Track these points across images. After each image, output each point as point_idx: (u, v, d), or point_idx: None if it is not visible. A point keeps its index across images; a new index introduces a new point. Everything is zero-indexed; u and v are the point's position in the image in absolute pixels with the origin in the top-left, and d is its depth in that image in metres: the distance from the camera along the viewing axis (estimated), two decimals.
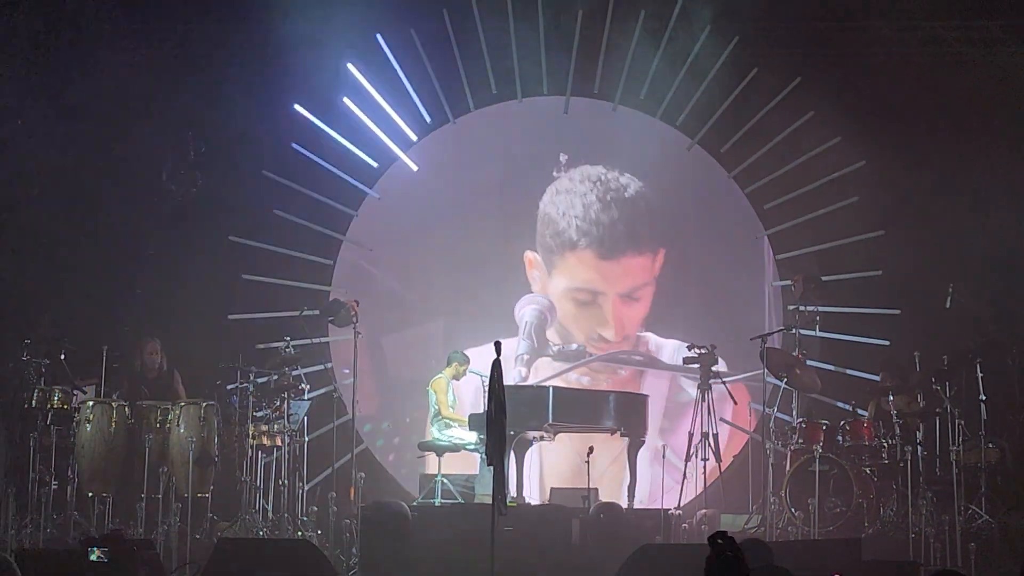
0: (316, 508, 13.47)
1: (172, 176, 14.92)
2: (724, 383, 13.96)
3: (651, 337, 16.05)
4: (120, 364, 13.78)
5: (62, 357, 13.10)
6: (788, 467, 13.11)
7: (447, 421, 14.05)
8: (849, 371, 15.16)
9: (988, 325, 14.20)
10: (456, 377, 14.36)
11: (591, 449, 13.11)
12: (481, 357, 14.35)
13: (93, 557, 9.90)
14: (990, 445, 13.20)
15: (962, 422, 13.03)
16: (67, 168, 14.71)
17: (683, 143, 16.10)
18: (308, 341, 14.22)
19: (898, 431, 13.08)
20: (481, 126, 16.32)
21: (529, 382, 15.48)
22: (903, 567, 10.41)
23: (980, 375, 13.19)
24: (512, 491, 12.81)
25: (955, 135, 15.22)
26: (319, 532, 13.01)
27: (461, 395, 14.72)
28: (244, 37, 15.90)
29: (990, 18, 15.32)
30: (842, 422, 13.34)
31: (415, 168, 16.27)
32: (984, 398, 13.15)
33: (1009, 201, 14.91)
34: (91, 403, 12.91)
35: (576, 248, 16.02)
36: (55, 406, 12.76)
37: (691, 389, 14.97)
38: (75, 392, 13.11)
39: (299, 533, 12.72)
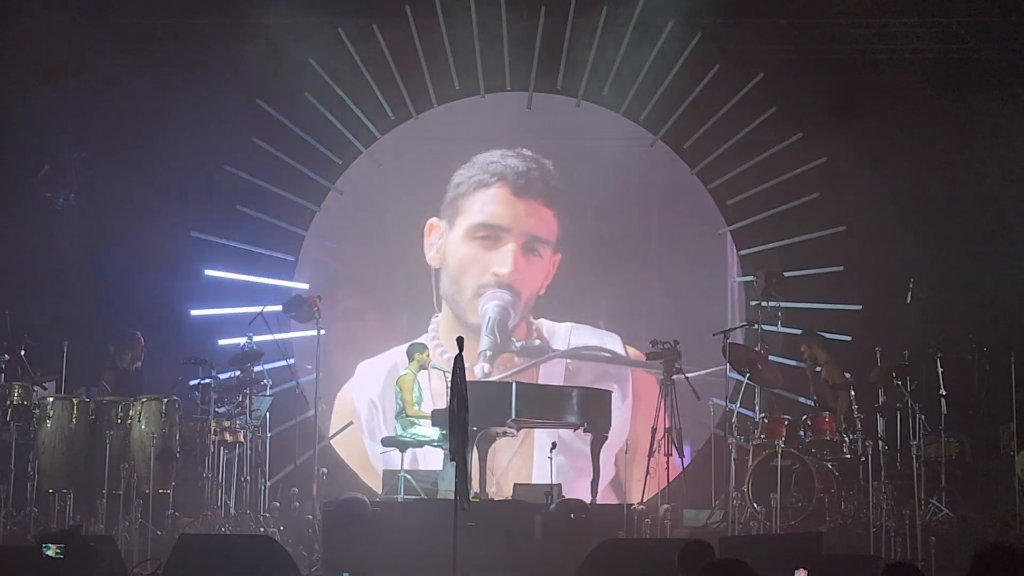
0: (278, 504, 13.45)
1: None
2: (687, 378, 14.00)
3: (544, 323, 16.08)
4: (116, 353, 13.71)
5: (22, 353, 13.02)
6: (750, 462, 13.16)
7: (411, 419, 14.02)
8: None
9: (948, 320, 14.27)
10: (423, 367, 14.33)
11: (554, 445, 13.14)
12: (446, 353, 14.41)
13: (49, 553, 9.82)
14: (950, 439, 13.29)
15: (922, 417, 13.11)
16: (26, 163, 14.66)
17: (646, 139, 16.12)
18: (270, 337, 14.17)
19: (859, 426, 13.15)
20: (444, 122, 16.29)
21: (492, 378, 15.48)
22: (863, 561, 10.46)
23: (940, 370, 13.27)
24: (475, 487, 12.81)
25: (916, 132, 15.29)
26: (281, 528, 12.98)
27: (430, 389, 14.68)
28: (207, 31, 15.83)
29: (949, 15, 15.41)
30: (804, 417, 13.40)
31: (379, 165, 16.23)
32: (944, 393, 13.24)
33: (969, 197, 15.02)
34: (51, 399, 12.83)
35: (488, 187, 16.08)
36: (15, 402, 12.67)
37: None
38: (35, 388, 13.02)
39: (261, 529, 12.68)
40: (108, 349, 14.00)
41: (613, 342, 15.94)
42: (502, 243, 15.98)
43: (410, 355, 14.34)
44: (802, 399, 14.28)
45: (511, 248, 15.98)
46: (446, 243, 16.07)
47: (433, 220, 16.08)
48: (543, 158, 16.18)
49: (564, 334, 16.08)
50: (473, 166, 16.12)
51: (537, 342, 16.05)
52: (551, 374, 15.86)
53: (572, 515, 12.38)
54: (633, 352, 15.92)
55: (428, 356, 14.36)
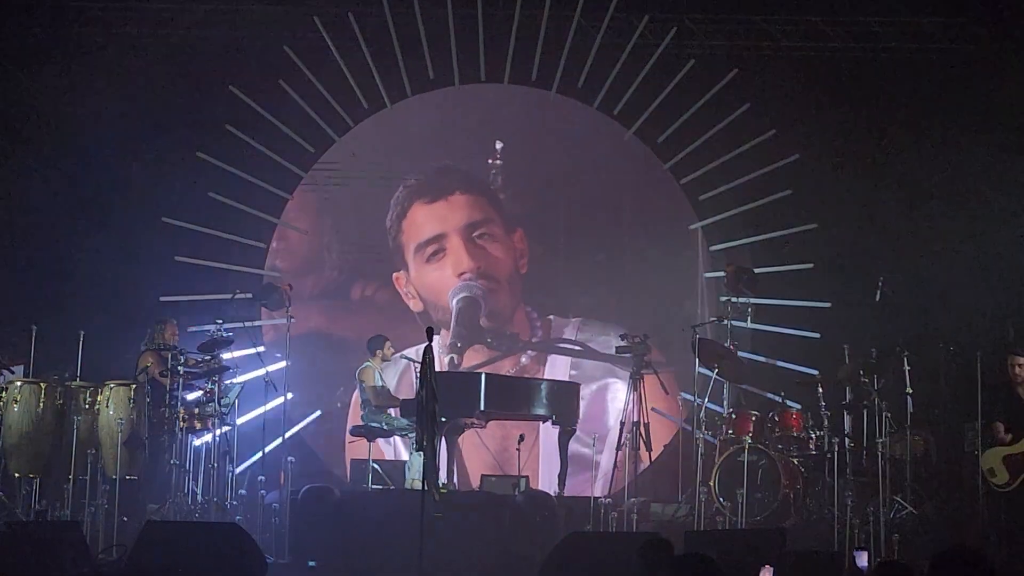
0: (245, 492, 13.41)
1: None
2: (656, 372, 14.03)
3: (553, 319, 16.17)
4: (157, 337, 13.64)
5: None
6: (717, 457, 13.20)
7: (376, 406, 14.02)
8: (780, 363, 15.29)
9: (916, 319, 14.35)
10: (385, 360, 14.32)
11: (522, 437, 13.16)
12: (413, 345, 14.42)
13: None
14: (916, 437, 13.37)
15: (889, 415, 13.18)
16: None
17: (620, 133, 16.14)
18: (240, 324, 14.13)
19: (826, 423, 13.21)
20: (418, 112, 16.28)
21: (461, 369, 15.49)
22: (827, 557, 10.52)
23: (907, 368, 13.34)
24: (443, 477, 12.82)
25: (888, 130, 15.38)
26: (248, 516, 12.96)
27: (389, 381, 14.69)
28: (180, 16, 15.78)
29: (923, 15, 15.48)
30: (771, 413, 13.45)
31: (353, 155, 16.21)
32: (911, 391, 13.31)
33: (940, 196, 15.10)
34: (19, 383, 12.76)
35: (406, 212, 16.16)
36: None
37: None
38: (2, 372, 12.95)
39: (228, 517, 12.66)
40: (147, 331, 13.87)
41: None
42: (448, 247, 16.03)
43: (371, 349, 14.31)
44: (770, 395, 14.34)
45: (457, 245, 16.00)
46: (413, 283, 16.09)
47: (395, 274, 16.14)
48: (468, 146, 16.30)
49: (571, 331, 16.09)
50: (389, 205, 16.17)
51: (507, 334, 16.06)
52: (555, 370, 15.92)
53: (538, 519, 12.42)
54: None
55: (389, 349, 14.34)
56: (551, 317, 16.16)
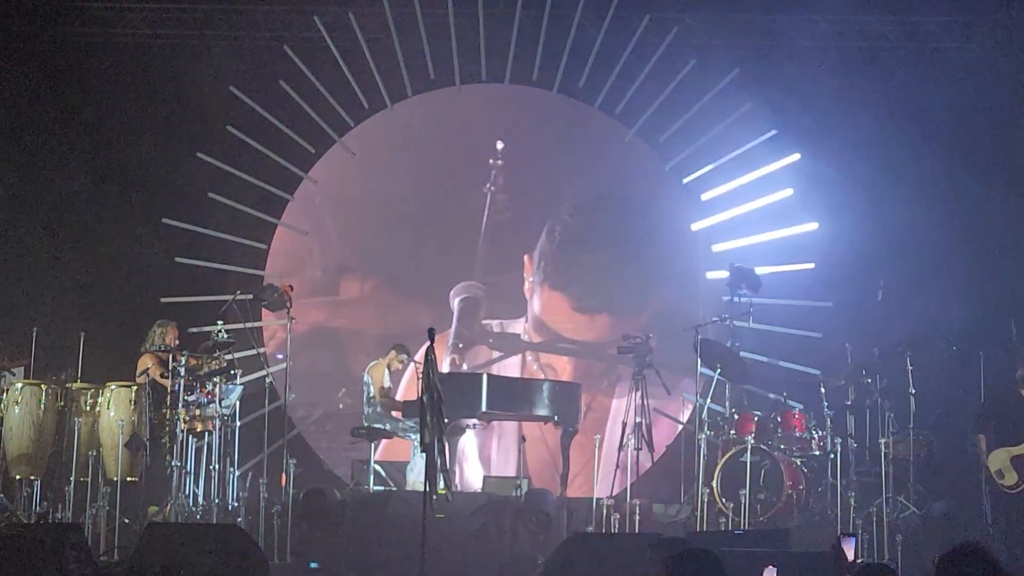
0: (247, 494, 13.39)
1: None
2: (658, 373, 14.01)
3: None
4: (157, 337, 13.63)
5: None
6: (720, 458, 13.17)
7: (381, 405, 14.01)
8: (782, 363, 15.26)
9: (918, 319, 14.32)
10: (390, 366, 14.31)
11: (523, 438, 13.14)
12: (416, 345, 14.38)
13: None
14: (919, 438, 13.35)
15: (891, 415, 13.17)
16: None
17: (621, 133, 16.13)
18: (241, 326, 14.12)
19: (828, 423, 13.19)
20: (418, 112, 16.27)
21: (463, 369, 15.48)
22: (830, 557, 10.49)
23: (910, 368, 13.32)
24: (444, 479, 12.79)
25: (890, 130, 15.35)
26: (249, 518, 12.93)
27: (395, 383, 14.68)
28: (180, 16, 15.76)
29: (925, 14, 15.46)
30: (773, 413, 13.42)
31: (353, 155, 16.19)
32: (913, 391, 13.29)
33: (941, 195, 15.08)
34: (20, 385, 12.75)
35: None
36: None
37: None
38: (4, 374, 12.94)
39: (229, 519, 12.64)
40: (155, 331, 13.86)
41: None
42: None
43: (390, 350, 14.31)
44: (772, 395, 14.31)
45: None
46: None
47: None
48: (469, 146, 16.24)
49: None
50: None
51: (509, 334, 16.05)
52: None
53: (540, 520, 12.40)
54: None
55: (403, 360, 14.29)
56: None
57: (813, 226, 15.41)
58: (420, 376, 10.85)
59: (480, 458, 15.51)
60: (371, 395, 14.08)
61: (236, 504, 13.09)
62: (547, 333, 16.09)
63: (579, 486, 14.39)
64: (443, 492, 11.06)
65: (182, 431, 12.82)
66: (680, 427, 15.23)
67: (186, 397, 12.93)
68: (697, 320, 14.75)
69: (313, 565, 12.02)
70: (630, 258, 16.13)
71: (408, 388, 14.82)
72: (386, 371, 14.20)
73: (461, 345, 15.77)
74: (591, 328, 16.03)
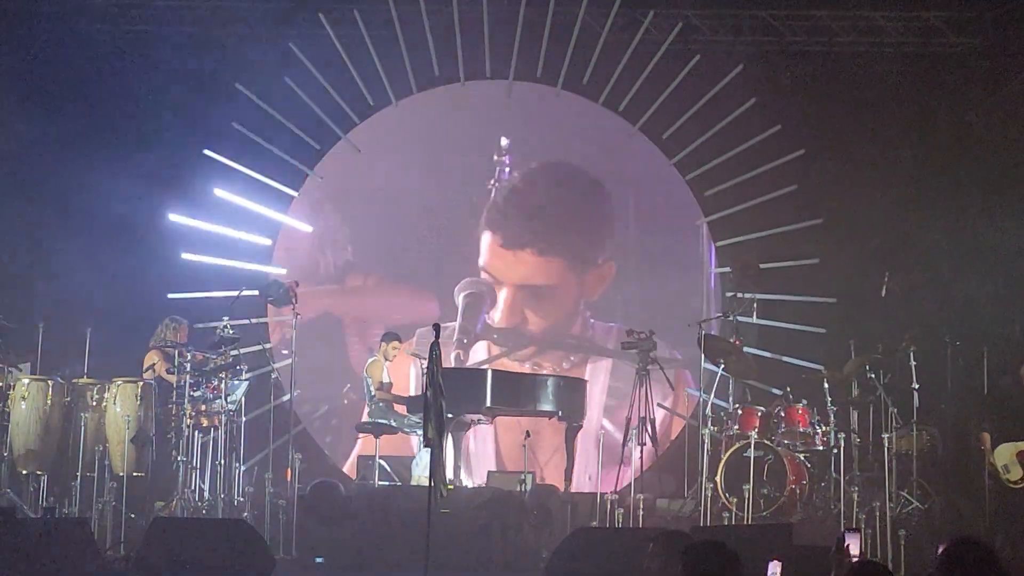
0: (252, 489, 13.44)
1: None
2: (662, 368, 14.04)
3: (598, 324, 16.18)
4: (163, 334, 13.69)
5: None
6: (723, 453, 13.20)
7: (383, 401, 14.06)
8: (785, 358, 15.28)
9: (922, 315, 14.34)
10: (386, 358, 14.33)
11: (528, 433, 13.16)
12: (421, 339, 14.41)
13: None
14: (922, 433, 13.37)
15: (895, 410, 13.19)
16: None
17: (625, 129, 16.14)
18: (247, 321, 14.16)
19: (832, 418, 13.21)
20: (423, 109, 16.29)
21: (467, 365, 15.50)
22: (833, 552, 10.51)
23: (913, 364, 13.34)
24: (449, 474, 12.84)
25: (893, 125, 15.37)
26: (255, 513, 12.98)
27: (398, 378, 14.71)
28: (185, 13, 15.80)
29: (929, 9, 15.47)
30: (777, 408, 13.44)
31: (358, 151, 16.22)
32: (917, 386, 13.31)
33: (945, 191, 15.09)
34: (27, 380, 12.80)
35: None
36: None
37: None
38: (10, 370, 12.99)
39: (235, 513, 12.69)
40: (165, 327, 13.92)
41: None
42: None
43: (383, 342, 14.37)
44: (775, 391, 14.34)
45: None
46: None
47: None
48: (473, 142, 16.33)
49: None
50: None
51: (513, 330, 16.08)
52: None
53: (545, 514, 12.44)
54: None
55: (394, 348, 14.34)
56: (595, 322, 16.20)
57: (817, 222, 15.41)
58: (425, 371, 10.91)
59: (488, 453, 15.55)
60: (371, 392, 14.12)
61: (242, 499, 13.16)
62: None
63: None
64: (449, 487, 11.13)
65: (188, 426, 12.87)
66: (684, 422, 15.24)
67: (192, 392, 12.98)
68: (701, 316, 14.82)
69: (319, 560, 12.07)
70: (633, 254, 16.15)
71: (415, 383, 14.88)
72: (384, 366, 14.23)
73: (466, 340, 15.79)
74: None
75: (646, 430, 13.66)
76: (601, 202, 16.28)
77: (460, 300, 15.94)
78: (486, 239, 16.16)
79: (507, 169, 16.32)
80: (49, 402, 12.76)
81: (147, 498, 12.79)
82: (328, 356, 15.99)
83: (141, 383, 12.99)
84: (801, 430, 13.25)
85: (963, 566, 5.30)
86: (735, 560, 6.08)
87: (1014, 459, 12.50)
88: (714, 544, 6.22)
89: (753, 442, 12.84)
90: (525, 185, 16.29)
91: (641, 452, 13.73)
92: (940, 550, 5.49)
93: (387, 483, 13.63)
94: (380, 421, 13.94)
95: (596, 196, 16.27)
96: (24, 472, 12.65)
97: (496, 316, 16.05)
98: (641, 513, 12.82)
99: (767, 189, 15.65)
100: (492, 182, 16.31)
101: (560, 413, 13.69)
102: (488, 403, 13.24)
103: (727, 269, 15.35)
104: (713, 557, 6.10)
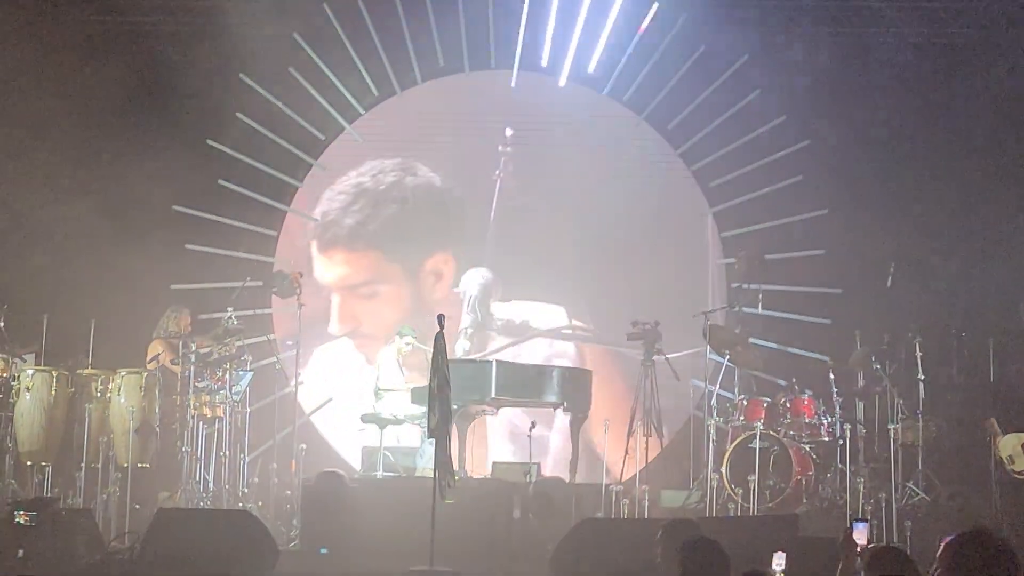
0: (257, 479, 13.44)
1: None
2: (667, 359, 14.01)
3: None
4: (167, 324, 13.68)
5: (1, 325, 12.96)
6: (729, 444, 13.18)
7: (383, 392, 14.06)
8: (791, 349, 15.26)
9: (928, 305, 14.31)
10: (399, 351, 14.32)
11: (533, 424, 13.15)
12: (424, 332, 14.39)
13: (19, 520, 9.82)
14: (928, 424, 13.34)
15: (901, 401, 13.17)
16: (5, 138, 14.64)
17: (630, 119, 16.11)
18: (251, 312, 14.14)
19: (838, 409, 13.19)
20: (428, 99, 16.26)
21: (472, 356, 15.48)
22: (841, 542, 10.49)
23: (919, 354, 13.31)
24: (454, 465, 12.81)
25: (899, 115, 15.33)
26: (260, 503, 12.98)
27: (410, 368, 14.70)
28: (190, 3, 15.76)
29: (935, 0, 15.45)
30: (783, 399, 13.42)
31: (359, 140, 16.19)
32: (923, 377, 13.28)
33: (951, 183, 15.06)
34: (31, 371, 12.79)
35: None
36: None
37: None
38: (14, 360, 12.98)
39: (240, 504, 12.68)
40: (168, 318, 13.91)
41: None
42: None
43: (400, 334, 14.37)
44: (781, 381, 14.32)
45: None
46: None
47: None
48: (478, 133, 16.25)
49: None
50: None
51: (517, 321, 16.05)
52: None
53: (550, 505, 12.42)
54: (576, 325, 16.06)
55: (407, 343, 14.32)
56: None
57: (822, 212, 15.37)
58: (430, 362, 10.89)
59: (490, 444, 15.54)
60: (378, 383, 14.11)
61: (246, 490, 13.15)
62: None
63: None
64: (456, 479, 11.10)
65: (192, 417, 12.87)
66: (689, 413, 15.21)
67: (196, 383, 12.97)
68: (706, 306, 14.78)
69: (323, 551, 12.05)
70: (639, 245, 16.12)
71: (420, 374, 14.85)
72: (394, 357, 14.22)
73: (471, 331, 15.77)
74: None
75: (651, 421, 13.64)
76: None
77: (466, 291, 15.91)
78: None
79: (511, 160, 16.28)
80: (53, 393, 12.74)
81: (151, 489, 12.77)
82: (332, 347, 15.97)
83: (146, 374, 12.98)
84: (807, 421, 13.24)
85: (976, 557, 5.25)
86: (724, 559, 6.20)
87: (1019, 449, 12.49)
88: (708, 541, 6.31)
89: (759, 433, 12.84)
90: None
91: (646, 443, 13.71)
92: (945, 542, 5.43)
93: (392, 474, 13.62)
94: (385, 412, 13.92)
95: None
96: (28, 463, 12.64)
97: (497, 307, 16.04)
98: (646, 504, 12.80)
99: (773, 179, 15.62)
100: (497, 172, 16.27)
101: (565, 404, 13.68)
102: (493, 394, 13.23)
103: (732, 260, 15.31)
104: (708, 556, 6.20)
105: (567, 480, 13.50)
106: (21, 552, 9.81)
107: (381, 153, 16.24)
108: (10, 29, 14.37)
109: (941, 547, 5.37)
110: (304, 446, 13.14)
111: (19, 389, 12.69)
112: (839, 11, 15.66)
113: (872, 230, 15.00)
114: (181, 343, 13.16)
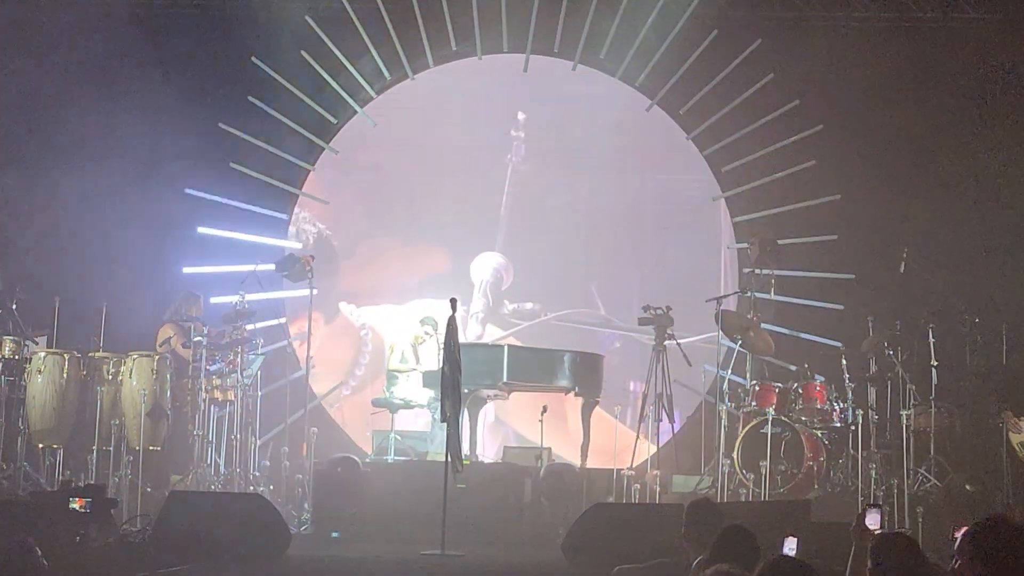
0: (268, 463, 13.46)
1: None
2: (679, 344, 13.99)
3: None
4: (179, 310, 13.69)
5: (13, 307, 12.98)
6: (740, 429, 13.17)
7: (393, 373, 14.08)
8: (803, 335, 15.23)
9: (941, 291, 14.27)
10: (416, 339, 14.34)
11: (545, 408, 13.14)
12: (437, 315, 14.39)
13: (74, 506, 9.87)
14: (940, 410, 13.31)
15: (913, 387, 13.14)
16: (19, 121, 14.63)
17: (642, 103, 16.07)
18: (263, 295, 14.14)
19: (850, 395, 13.17)
20: (440, 83, 16.23)
21: (484, 340, 15.49)
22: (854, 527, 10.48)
23: (932, 340, 13.29)
24: (465, 449, 12.83)
25: (912, 100, 15.26)
26: (271, 487, 13.01)
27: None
28: None
29: None
30: (795, 385, 13.40)
31: (373, 124, 16.17)
32: (935, 363, 13.25)
33: (964, 167, 15.01)
34: (43, 354, 12.80)
35: None
36: (6, 356, 12.64)
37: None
38: (27, 343, 12.99)
39: (251, 488, 12.70)
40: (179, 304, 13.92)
41: None
42: None
43: (423, 322, 14.39)
44: (793, 367, 14.29)
45: None
46: None
47: None
48: (490, 117, 16.21)
49: None
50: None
51: (529, 305, 16.04)
52: None
53: (561, 490, 12.44)
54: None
55: (427, 332, 14.33)
56: None
57: (835, 197, 15.32)
58: (441, 346, 10.90)
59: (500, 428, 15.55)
60: (389, 367, 14.12)
61: (258, 473, 13.17)
62: None
63: None
64: (465, 462, 11.12)
65: (204, 400, 12.88)
66: (701, 398, 15.19)
67: (208, 367, 12.98)
68: (718, 291, 14.76)
69: (335, 534, 12.07)
70: (650, 229, 16.10)
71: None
72: (410, 341, 14.22)
73: (482, 316, 15.78)
74: None
75: (663, 406, 13.63)
76: None
77: (477, 276, 15.91)
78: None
79: (523, 144, 16.26)
80: (65, 376, 12.75)
81: (163, 472, 12.80)
82: (343, 331, 15.98)
83: (157, 357, 12.99)
84: (819, 407, 13.22)
85: (997, 545, 5.20)
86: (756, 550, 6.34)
87: None
88: (744, 532, 6.41)
89: (770, 418, 12.82)
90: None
91: (658, 428, 13.70)
92: (967, 530, 5.37)
93: (403, 458, 13.63)
94: (396, 396, 13.93)
95: None
96: (40, 446, 12.66)
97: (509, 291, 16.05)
98: (657, 489, 12.79)
99: (785, 164, 15.57)
100: (509, 157, 16.25)
101: (577, 388, 13.68)
102: (505, 378, 13.23)
103: (745, 245, 15.27)
104: (742, 542, 6.39)
105: (578, 465, 13.50)
106: (79, 538, 9.85)
107: (393, 137, 16.21)
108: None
109: (959, 538, 5.32)
110: (315, 430, 13.15)
111: (31, 371, 12.70)
112: None
113: (885, 215, 14.96)
114: (192, 327, 13.15)
